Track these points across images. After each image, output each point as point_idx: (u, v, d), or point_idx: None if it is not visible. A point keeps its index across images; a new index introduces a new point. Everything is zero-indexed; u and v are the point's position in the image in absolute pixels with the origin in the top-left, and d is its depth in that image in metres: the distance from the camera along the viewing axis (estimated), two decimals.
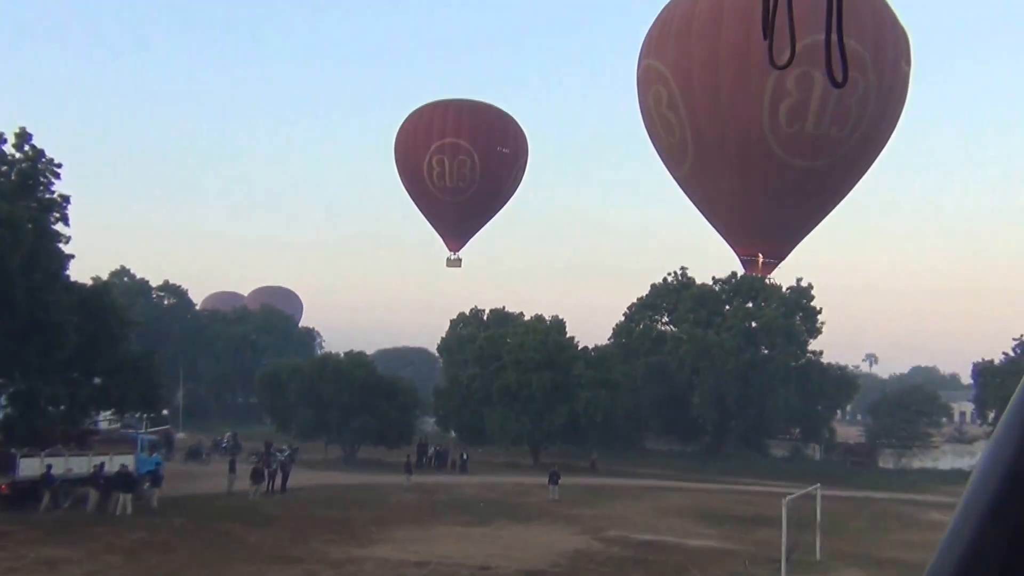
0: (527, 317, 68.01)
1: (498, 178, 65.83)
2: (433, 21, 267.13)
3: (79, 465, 30.24)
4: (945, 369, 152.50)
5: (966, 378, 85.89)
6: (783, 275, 59.87)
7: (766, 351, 62.33)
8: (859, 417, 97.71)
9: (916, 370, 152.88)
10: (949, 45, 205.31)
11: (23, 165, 32.85)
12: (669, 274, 69.10)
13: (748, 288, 63.35)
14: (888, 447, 66.58)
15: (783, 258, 46.91)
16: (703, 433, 64.11)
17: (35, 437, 31.06)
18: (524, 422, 52.63)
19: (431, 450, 52.76)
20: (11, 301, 29.69)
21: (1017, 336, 59.93)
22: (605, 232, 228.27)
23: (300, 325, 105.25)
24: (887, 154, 46.06)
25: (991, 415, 61.20)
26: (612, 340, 68.42)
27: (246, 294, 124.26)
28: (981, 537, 0.99)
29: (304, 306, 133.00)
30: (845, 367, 74.03)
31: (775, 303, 62.64)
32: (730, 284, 64.71)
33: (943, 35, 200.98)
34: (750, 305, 64.07)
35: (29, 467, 29.04)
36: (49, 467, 29.05)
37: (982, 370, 61.67)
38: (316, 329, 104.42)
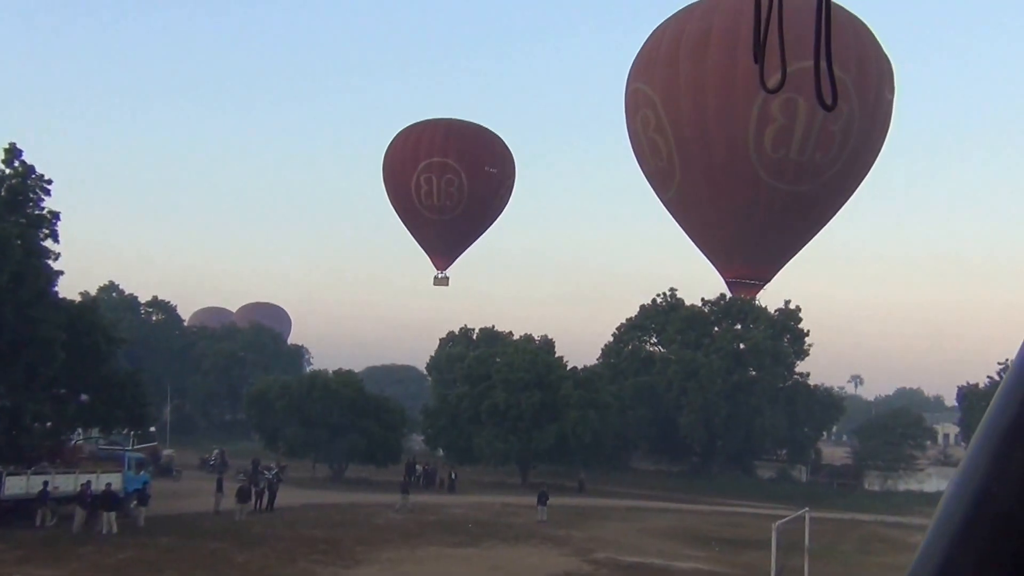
0: (516, 336, 68.17)
1: (485, 198, 66.16)
2: (422, 41, 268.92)
3: (65, 483, 30.02)
4: (930, 391, 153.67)
5: (950, 400, 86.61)
6: (769, 297, 60.50)
7: (753, 372, 62.60)
8: (844, 438, 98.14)
9: (901, 392, 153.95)
10: (933, 73, 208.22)
11: (13, 181, 32.72)
12: (658, 295, 69.49)
13: (736, 310, 63.72)
14: (874, 469, 66.87)
15: (768, 280, 47.40)
16: (691, 454, 64.22)
17: (20, 454, 30.82)
18: (512, 442, 52.55)
19: (419, 469, 52.59)
20: None
21: (1002, 360, 60.51)
22: (594, 253, 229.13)
23: (288, 342, 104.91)
24: (872, 178, 46.67)
25: None
26: (601, 360, 68.54)
27: (234, 310, 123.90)
28: (950, 560, 0.99)
29: (292, 322, 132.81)
30: (831, 389, 74.48)
31: (763, 325, 63.00)
32: (719, 306, 65.05)
33: (928, 63, 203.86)
34: (738, 327, 64.39)
35: (15, 485, 28.79)
36: (45, 483, 28.86)
37: (967, 394, 62.17)
38: (305, 346, 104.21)
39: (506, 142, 69.93)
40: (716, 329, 64.73)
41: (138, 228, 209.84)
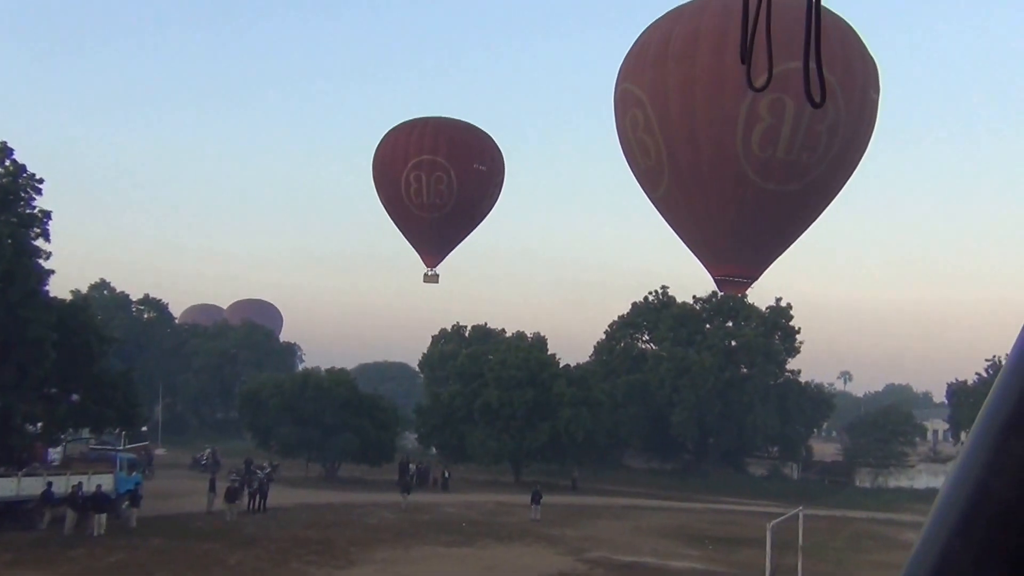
0: (509, 334, 68.17)
1: (474, 195, 66.16)
2: (412, 40, 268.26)
3: (57, 484, 29.81)
4: (918, 388, 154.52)
5: (939, 396, 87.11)
6: (760, 294, 60.62)
7: (745, 370, 62.75)
8: (834, 434, 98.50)
9: (890, 388, 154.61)
10: (917, 74, 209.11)
11: (3, 180, 32.50)
12: (650, 293, 69.49)
13: (728, 307, 63.85)
14: (865, 466, 67.16)
15: (756, 278, 47.49)
16: (683, 451, 64.34)
17: (11, 456, 30.61)
18: (505, 440, 52.55)
19: (412, 468, 52.56)
20: None
21: (990, 357, 60.95)
22: (586, 251, 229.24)
23: (280, 339, 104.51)
24: (859, 177, 46.77)
25: (964, 435, 61.97)
26: (593, 358, 68.59)
27: (226, 307, 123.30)
28: (948, 554, 0.99)
29: (284, 320, 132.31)
30: (821, 385, 74.71)
31: (754, 322, 63.18)
32: (710, 303, 65.17)
33: (912, 64, 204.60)
34: (730, 324, 64.54)
35: (5, 487, 28.58)
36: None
37: (956, 391, 62.53)
38: (297, 343, 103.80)
39: (496, 140, 70.11)
40: (708, 326, 64.85)
41: (130, 225, 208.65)
